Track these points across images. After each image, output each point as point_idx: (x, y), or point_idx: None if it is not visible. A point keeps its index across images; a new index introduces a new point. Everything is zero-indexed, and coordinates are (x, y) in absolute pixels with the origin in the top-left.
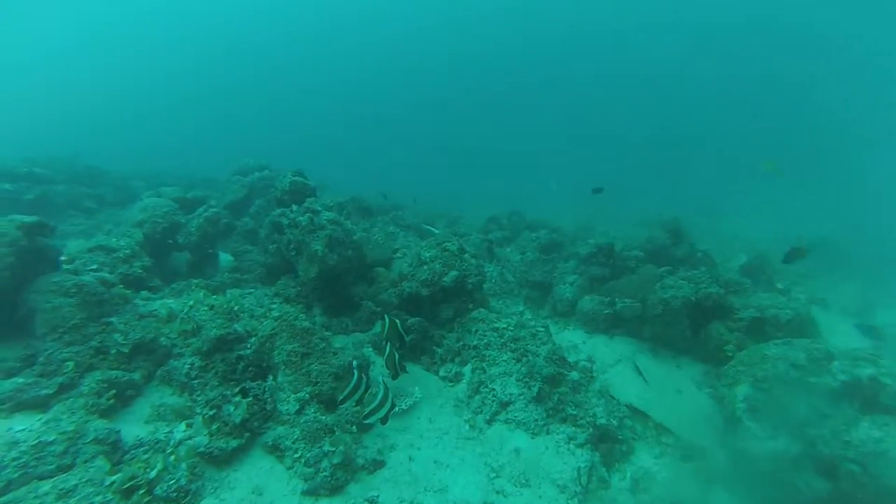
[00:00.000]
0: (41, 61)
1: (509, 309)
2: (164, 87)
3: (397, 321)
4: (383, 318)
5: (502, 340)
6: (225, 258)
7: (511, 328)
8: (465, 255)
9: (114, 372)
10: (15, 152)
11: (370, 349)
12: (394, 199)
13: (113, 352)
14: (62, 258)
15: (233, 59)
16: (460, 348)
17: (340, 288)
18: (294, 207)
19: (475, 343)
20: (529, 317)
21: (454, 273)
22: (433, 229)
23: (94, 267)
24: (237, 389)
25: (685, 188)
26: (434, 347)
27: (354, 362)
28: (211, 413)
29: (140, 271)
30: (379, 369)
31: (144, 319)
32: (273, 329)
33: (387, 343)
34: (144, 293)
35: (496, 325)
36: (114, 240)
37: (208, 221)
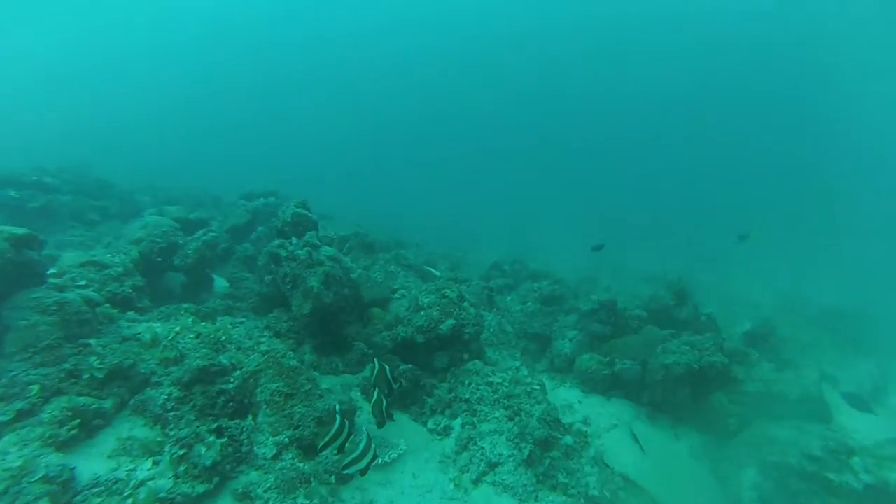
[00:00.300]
0: (65, 72)
1: (505, 361)
2: (186, 103)
3: (387, 366)
4: (373, 362)
5: (496, 396)
6: (221, 283)
7: (506, 384)
8: (465, 304)
9: (82, 399)
10: (31, 160)
11: (358, 393)
12: (399, 234)
13: (86, 376)
14: (51, 271)
15: (258, 83)
16: (451, 400)
17: (334, 327)
18: (293, 240)
19: (467, 396)
20: (525, 373)
21: (451, 321)
22: (434, 271)
23: (83, 283)
24: (213, 427)
25: (693, 241)
26: (425, 397)
27: (338, 407)
28: (180, 453)
29: (130, 291)
30: (365, 416)
31: (126, 343)
32: (259, 365)
33: (374, 388)
34: (131, 314)
35: (491, 380)
36: (108, 256)
37: (206, 245)
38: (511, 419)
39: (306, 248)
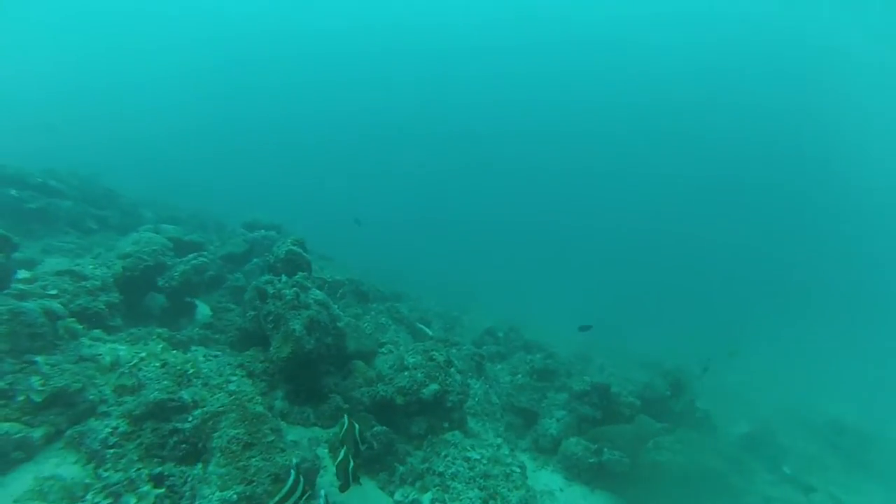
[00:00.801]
0: (96, 83)
1: (487, 434)
2: (212, 127)
3: (357, 425)
4: (343, 419)
5: (472, 473)
6: (204, 311)
7: (484, 461)
8: (452, 370)
9: (6, 424)
10: (47, 163)
11: (326, 450)
12: (397, 286)
13: (20, 398)
14: (23, 275)
15: (283, 118)
16: (424, 472)
17: (311, 375)
18: (283, 278)
19: (442, 469)
20: (507, 452)
21: (435, 387)
22: (427, 330)
23: (54, 292)
24: (155, 472)
25: (693, 330)
26: (396, 464)
27: (294, 461)
28: (104, 503)
29: (103, 307)
30: (329, 477)
31: (82, 363)
32: (222, 406)
33: (342, 447)
34: (97, 332)
35: (469, 455)
36: (90, 267)
37: (194, 269)
38: (485, 502)
39: (294, 289)
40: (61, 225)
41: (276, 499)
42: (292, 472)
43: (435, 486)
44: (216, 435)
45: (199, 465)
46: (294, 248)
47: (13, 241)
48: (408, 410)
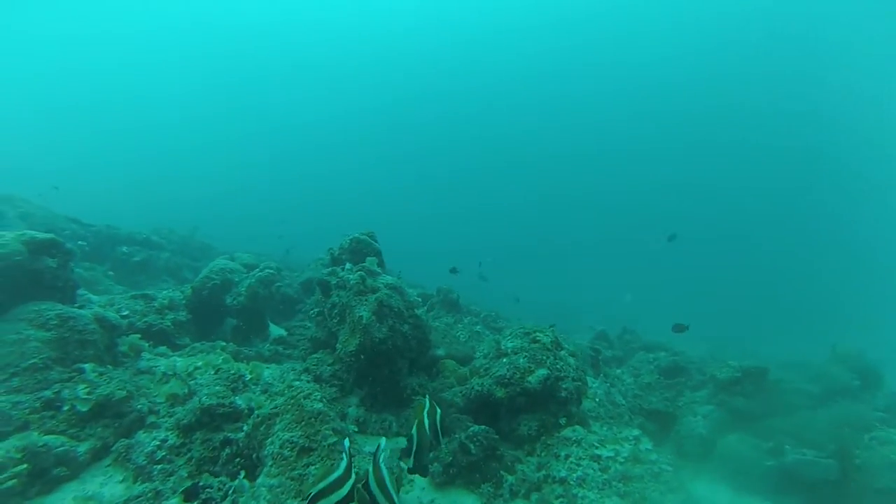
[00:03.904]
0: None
1: (619, 428)
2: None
3: (438, 409)
4: (423, 399)
5: (606, 476)
6: (277, 331)
7: (620, 460)
8: (562, 353)
9: (47, 438)
10: (155, 223)
11: (412, 460)
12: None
13: (66, 408)
14: (98, 300)
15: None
16: (541, 480)
17: (388, 373)
18: (347, 266)
19: (564, 475)
20: (649, 447)
21: (543, 372)
22: None
23: (126, 313)
24: (185, 487)
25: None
26: (503, 473)
27: (348, 444)
28: None
29: (169, 324)
30: (416, 492)
31: (140, 376)
32: (276, 407)
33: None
34: (162, 349)
35: (598, 453)
36: (164, 292)
37: (260, 282)
38: None
39: (359, 273)
40: (160, 274)
41: (320, 487)
42: (344, 455)
43: (558, 498)
44: (269, 441)
45: (241, 477)
46: (360, 236)
47: (67, 248)
48: (512, 406)
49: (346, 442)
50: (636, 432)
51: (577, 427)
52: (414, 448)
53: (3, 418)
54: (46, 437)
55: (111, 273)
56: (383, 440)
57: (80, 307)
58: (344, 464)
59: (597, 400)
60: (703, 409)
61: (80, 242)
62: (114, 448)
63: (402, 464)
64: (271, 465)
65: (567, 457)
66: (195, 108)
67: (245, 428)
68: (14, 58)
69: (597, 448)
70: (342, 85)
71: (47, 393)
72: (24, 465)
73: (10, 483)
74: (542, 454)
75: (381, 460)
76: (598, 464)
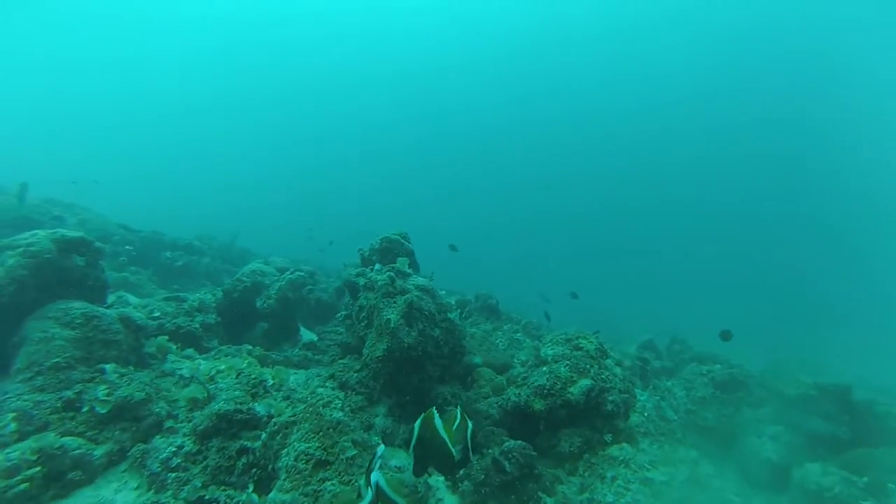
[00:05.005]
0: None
1: (673, 448)
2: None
3: (469, 423)
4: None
5: (659, 503)
6: (308, 336)
7: (676, 485)
8: (607, 362)
9: (66, 440)
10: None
11: (441, 480)
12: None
13: (85, 409)
14: (137, 301)
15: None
16: None
17: (417, 381)
18: (376, 266)
19: (611, 500)
20: (711, 471)
21: (587, 382)
22: None
23: (157, 314)
24: (192, 499)
25: None
26: (541, 495)
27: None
28: None
29: (197, 327)
30: None
31: (162, 378)
32: (294, 415)
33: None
34: (189, 351)
35: (649, 476)
36: (195, 295)
37: (290, 284)
38: None
39: (388, 274)
40: (200, 278)
41: None
42: (369, 489)
43: None
44: (284, 452)
45: (250, 490)
46: (391, 235)
47: (96, 247)
48: (552, 419)
49: (381, 448)
50: (694, 453)
51: (624, 445)
52: (413, 439)
53: (24, 417)
54: (64, 438)
55: (155, 277)
56: (381, 447)
57: (108, 307)
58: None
59: (645, 414)
60: (769, 430)
61: (127, 247)
62: (130, 453)
63: (429, 480)
64: (285, 479)
65: (614, 479)
66: (236, 120)
67: (262, 436)
68: (77, 74)
69: (648, 470)
70: (384, 89)
71: (69, 393)
72: (38, 468)
73: (21, 487)
74: (586, 474)
75: (375, 468)
76: (650, 488)
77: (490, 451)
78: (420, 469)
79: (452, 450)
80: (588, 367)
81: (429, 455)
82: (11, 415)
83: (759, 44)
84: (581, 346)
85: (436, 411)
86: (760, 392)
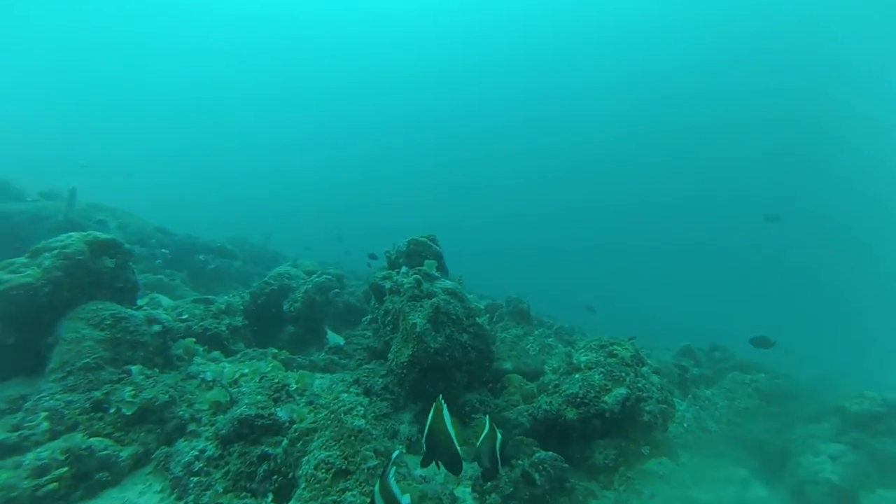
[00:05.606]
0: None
1: (720, 469)
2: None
3: (499, 433)
4: (483, 421)
5: None
6: (335, 339)
7: None
8: (644, 369)
9: (93, 440)
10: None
11: (468, 490)
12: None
13: (112, 410)
14: (167, 303)
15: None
16: None
17: (445, 388)
18: (403, 269)
19: None
20: (763, 493)
21: (622, 391)
22: None
23: (185, 316)
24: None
25: None
26: None
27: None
28: None
29: (224, 329)
30: None
31: (188, 381)
32: (315, 422)
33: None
34: (216, 353)
35: (692, 494)
36: (223, 297)
37: (317, 288)
38: None
39: (414, 277)
40: (231, 281)
41: None
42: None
43: None
44: (304, 459)
45: (270, 498)
46: (419, 238)
47: (127, 249)
48: (585, 430)
49: (397, 452)
50: (743, 472)
51: (663, 459)
52: (426, 430)
53: (56, 417)
54: (91, 439)
55: (189, 280)
56: (397, 451)
57: (138, 308)
58: None
59: (685, 425)
60: (828, 449)
61: (163, 250)
62: (154, 456)
63: (455, 492)
64: (304, 488)
65: (652, 496)
66: (269, 116)
67: (284, 442)
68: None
69: (690, 488)
70: (415, 88)
71: (97, 393)
72: (66, 469)
73: (51, 486)
74: (621, 489)
75: (390, 475)
76: None
77: (519, 462)
78: (427, 461)
79: (459, 449)
80: (623, 374)
81: (435, 449)
82: (44, 414)
83: (772, 44)
84: (616, 352)
85: (443, 402)
86: (813, 406)
